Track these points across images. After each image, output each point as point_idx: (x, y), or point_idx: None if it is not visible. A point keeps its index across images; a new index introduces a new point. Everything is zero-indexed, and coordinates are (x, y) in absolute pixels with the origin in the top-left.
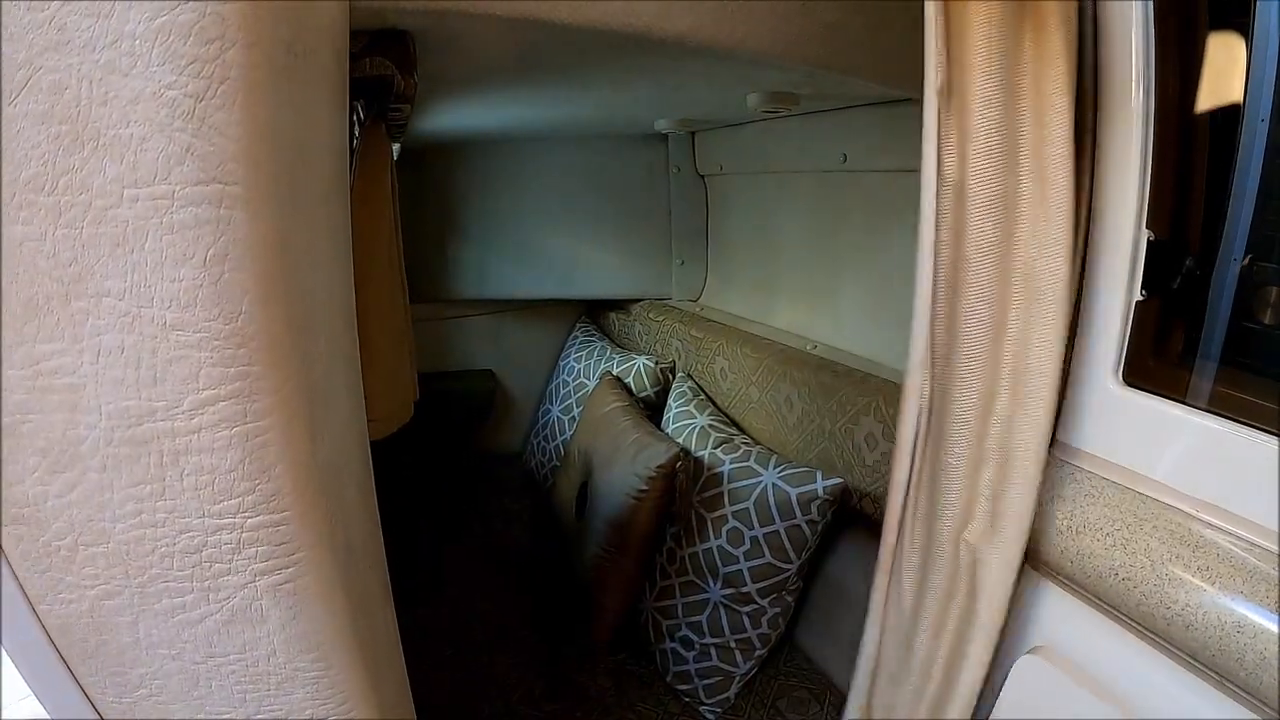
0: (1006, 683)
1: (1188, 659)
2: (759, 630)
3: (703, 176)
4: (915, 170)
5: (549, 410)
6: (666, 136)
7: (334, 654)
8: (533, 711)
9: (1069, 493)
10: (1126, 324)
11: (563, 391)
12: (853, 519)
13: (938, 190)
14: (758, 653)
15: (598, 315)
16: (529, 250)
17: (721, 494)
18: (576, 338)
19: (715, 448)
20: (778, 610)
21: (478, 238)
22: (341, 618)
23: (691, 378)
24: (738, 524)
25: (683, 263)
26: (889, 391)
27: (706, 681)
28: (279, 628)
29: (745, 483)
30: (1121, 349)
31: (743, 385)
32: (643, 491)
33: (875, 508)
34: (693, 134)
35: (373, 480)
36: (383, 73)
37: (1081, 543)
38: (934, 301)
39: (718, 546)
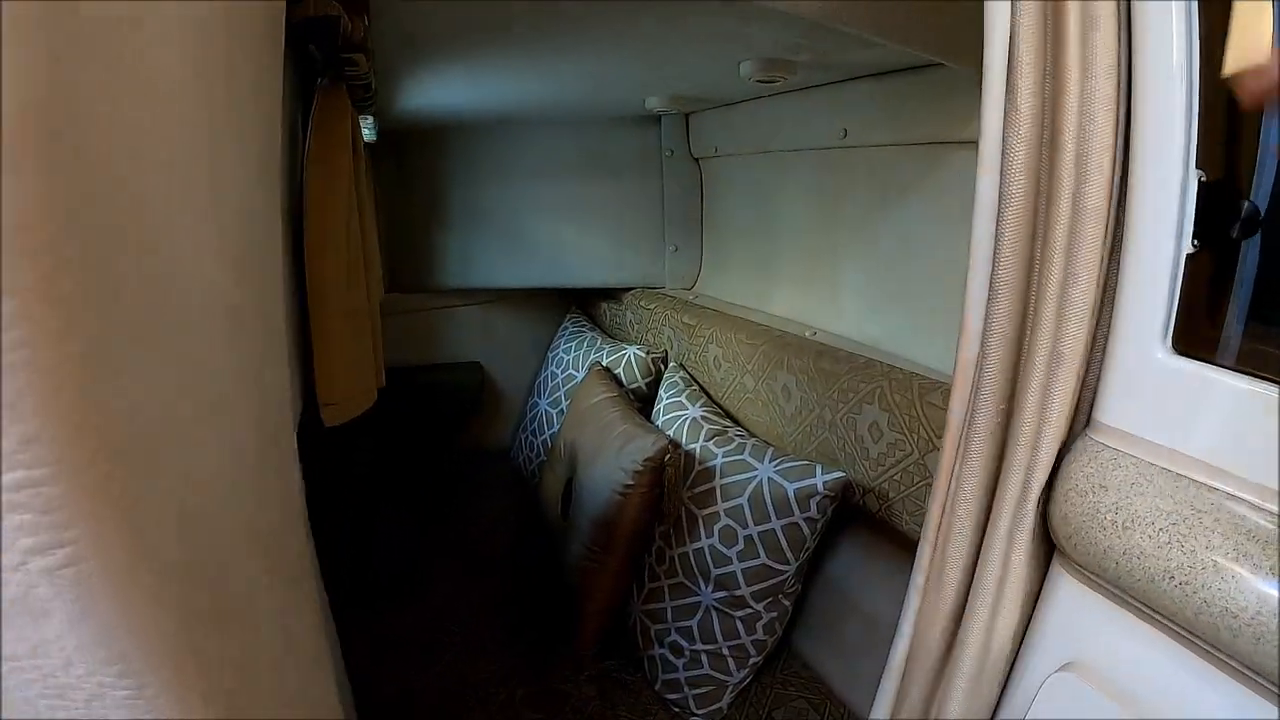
0: (1036, 701)
1: (1256, 679)
2: (754, 636)
3: (697, 160)
4: (917, 143)
5: (537, 404)
6: (659, 119)
7: (146, 670)
8: None
9: (1113, 481)
10: (1176, 281)
11: (551, 384)
12: (854, 516)
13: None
14: (752, 660)
15: (589, 306)
16: (515, 238)
17: (714, 490)
18: (566, 328)
19: (708, 440)
20: (774, 615)
21: (463, 226)
22: (156, 622)
23: (684, 368)
24: (731, 522)
25: (676, 249)
26: (895, 378)
27: (697, 690)
28: (68, 628)
29: (739, 477)
30: (1170, 311)
31: (737, 374)
32: (629, 486)
33: (880, 504)
34: (687, 115)
35: (294, 466)
36: (328, 12)
37: (1129, 540)
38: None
39: (709, 546)
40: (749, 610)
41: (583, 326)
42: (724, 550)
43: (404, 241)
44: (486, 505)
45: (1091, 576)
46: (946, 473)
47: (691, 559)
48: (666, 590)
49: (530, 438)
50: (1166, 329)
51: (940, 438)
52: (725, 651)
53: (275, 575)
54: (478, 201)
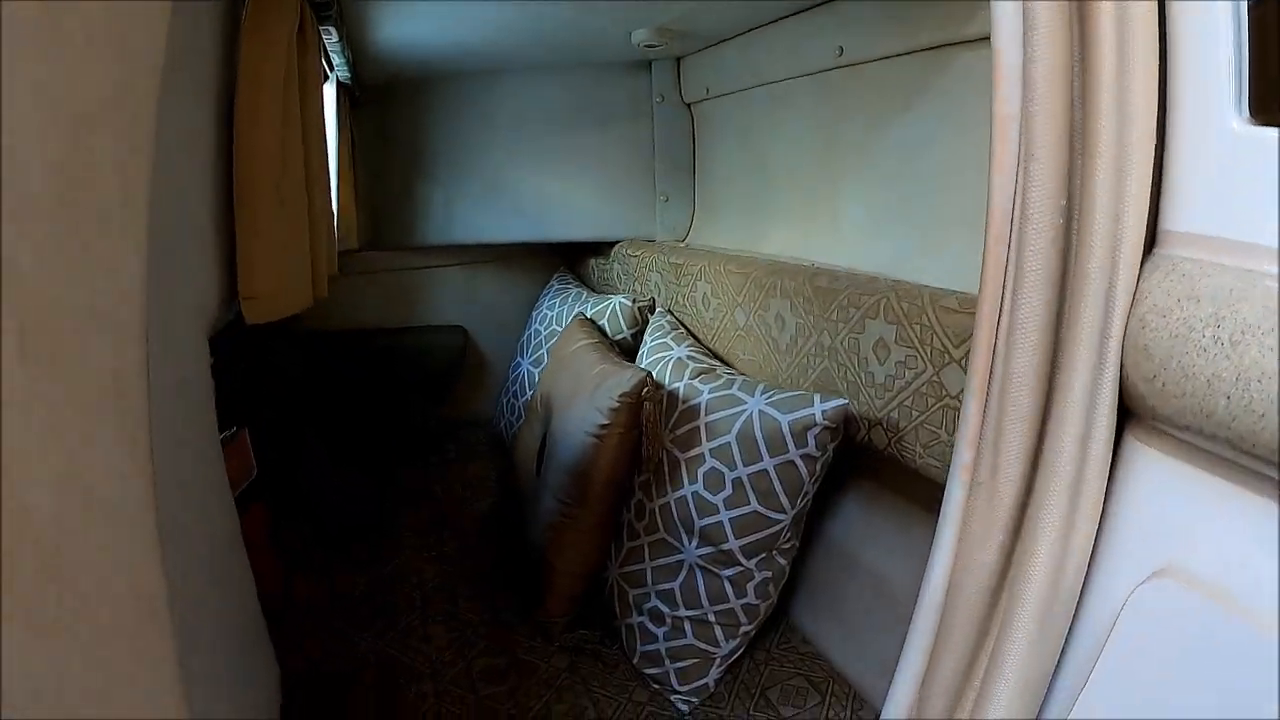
0: (1121, 621)
1: None
2: (744, 600)
3: (689, 105)
4: (919, 50)
5: (519, 364)
6: (650, 65)
7: None
8: (466, 694)
9: (1206, 291)
10: (1241, 28)
11: (534, 342)
12: (859, 466)
13: None
14: (743, 629)
15: (578, 265)
16: (500, 192)
17: (697, 429)
18: (552, 286)
19: (693, 379)
20: (767, 575)
21: (445, 180)
22: None
23: (671, 313)
24: (717, 464)
25: (667, 199)
26: (902, 289)
27: (680, 664)
28: None
29: (726, 413)
30: (1240, 69)
31: (727, 310)
32: (604, 427)
33: (888, 438)
34: (678, 60)
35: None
36: None
37: (1243, 359)
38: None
39: (693, 494)
40: (738, 568)
41: (569, 284)
42: (709, 498)
43: (385, 198)
44: (461, 471)
45: (1185, 437)
46: (989, 327)
47: (673, 510)
48: (646, 549)
49: (512, 400)
50: (1239, 92)
51: (959, 345)
52: (712, 618)
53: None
54: (461, 155)
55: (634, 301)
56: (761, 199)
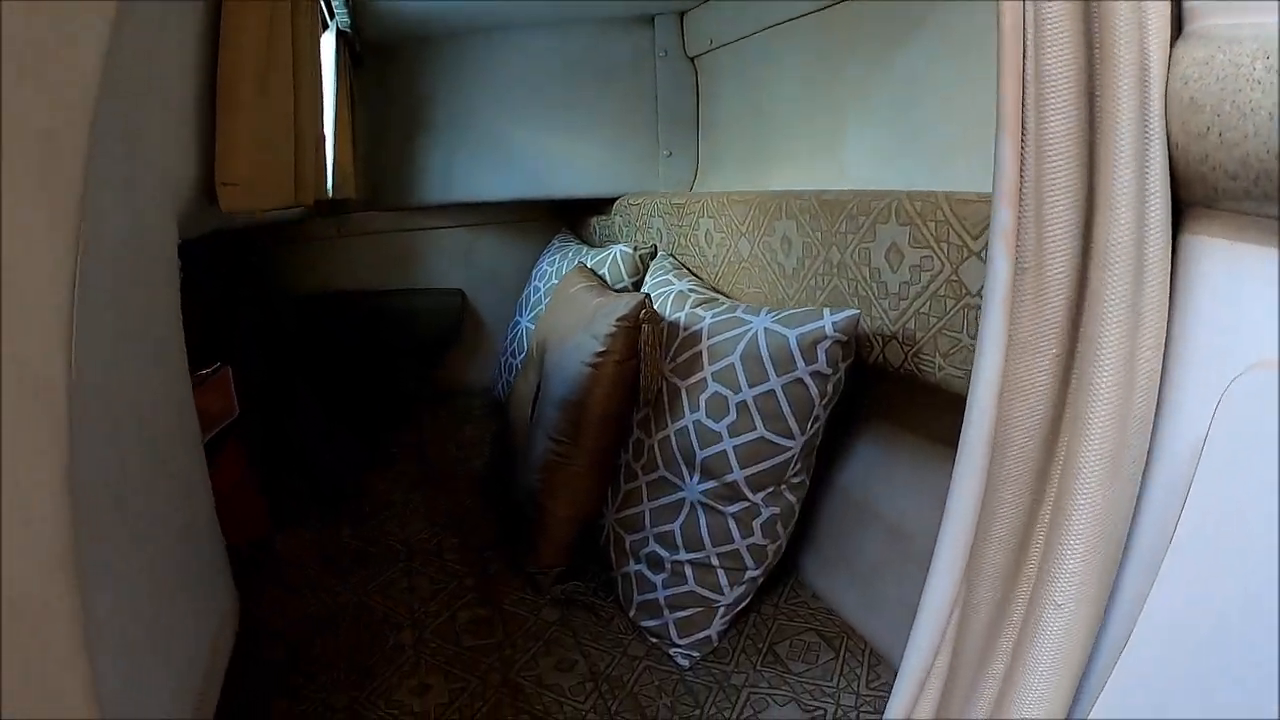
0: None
1: None
2: (750, 540)
3: (692, 59)
4: None
5: (518, 323)
6: (653, 19)
7: None
8: (448, 647)
9: (1248, 49)
10: None
11: (533, 299)
12: (871, 409)
13: None
14: (749, 573)
15: (580, 227)
16: (501, 149)
17: (699, 354)
18: (553, 245)
19: (694, 307)
20: (774, 512)
21: (446, 138)
22: None
23: (674, 256)
24: (720, 388)
25: (670, 154)
26: (914, 193)
27: (680, 614)
28: None
29: (729, 334)
30: None
31: (730, 242)
32: (600, 355)
33: (904, 353)
34: (681, 14)
35: None
36: None
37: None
38: None
39: (694, 423)
40: (744, 504)
41: (570, 242)
42: (712, 426)
43: (385, 158)
44: (455, 433)
45: (1250, 207)
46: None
47: (673, 443)
48: (645, 489)
49: (509, 360)
50: None
51: (978, 236)
52: (715, 561)
53: None
54: (461, 113)
55: (635, 249)
56: (766, 147)
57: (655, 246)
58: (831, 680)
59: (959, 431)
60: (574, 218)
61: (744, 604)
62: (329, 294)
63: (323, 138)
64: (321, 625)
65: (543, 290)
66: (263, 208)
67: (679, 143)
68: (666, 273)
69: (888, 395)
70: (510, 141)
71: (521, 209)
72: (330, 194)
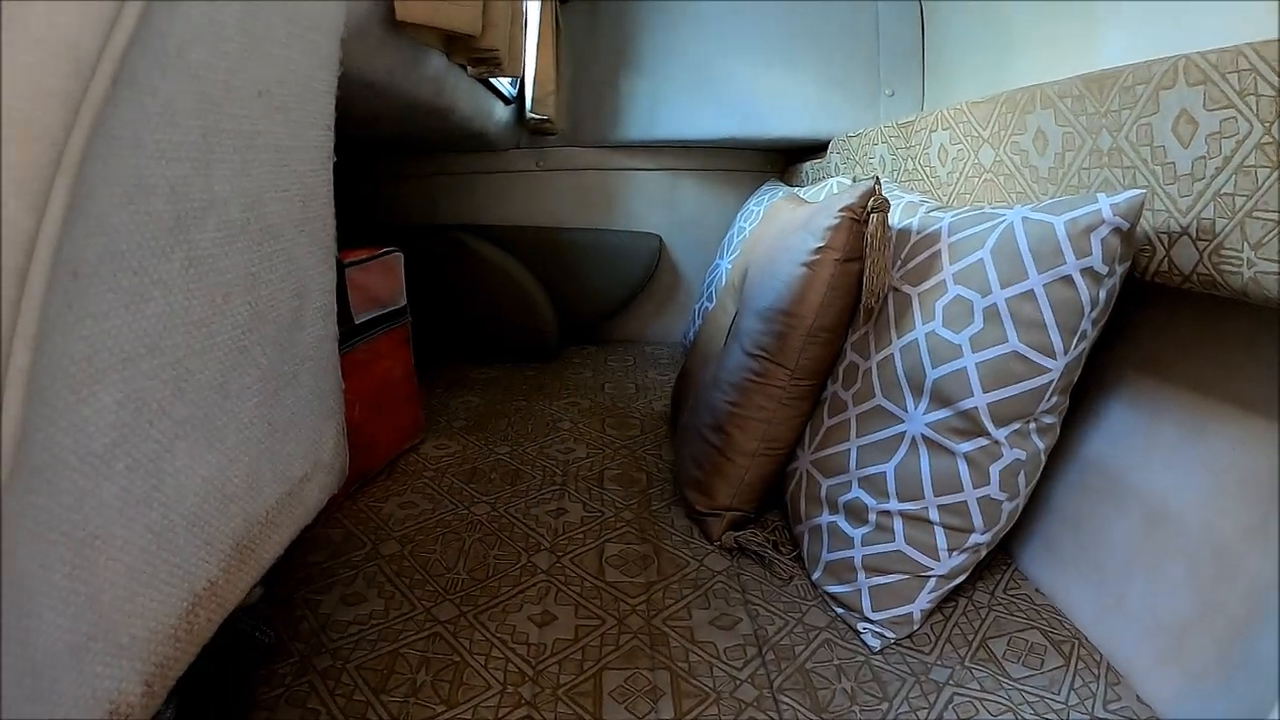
0: None
1: None
2: (983, 491)
3: None
4: None
5: (718, 266)
6: None
7: None
8: (588, 578)
9: None
10: None
11: (736, 241)
12: (1130, 345)
13: None
14: (974, 538)
15: (790, 176)
16: (708, 86)
17: (938, 254)
18: (762, 189)
19: (929, 213)
20: (1019, 457)
21: (652, 73)
22: None
23: (898, 183)
24: (963, 291)
25: (892, 94)
26: (1206, 50)
27: (879, 580)
28: None
29: (977, 229)
30: None
31: (970, 153)
32: (818, 251)
33: (1198, 251)
34: None
35: None
36: None
37: None
38: None
39: (926, 335)
40: (981, 441)
41: (779, 187)
42: (950, 337)
43: (588, 94)
44: (637, 375)
45: None
46: None
47: (897, 363)
48: (853, 424)
49: (705, 305)
50: None
51: None
52: (934, 515)
53: None
54: (670, 47)
55: (854, 180)
56: (1004, 79)
57: (877, 177)
58: (1059, 693)
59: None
60: (783, 166)
61: (958, 581)
62: (525, 227)
63: (521, 10)
64: (448, 533)
65: (748, 231)
66: (440, 24)
67: (903, 81)
68: (891, 190)
69: (1154, 333)
70: (720, 78)
71: (728, 155)
72: (530, 107)
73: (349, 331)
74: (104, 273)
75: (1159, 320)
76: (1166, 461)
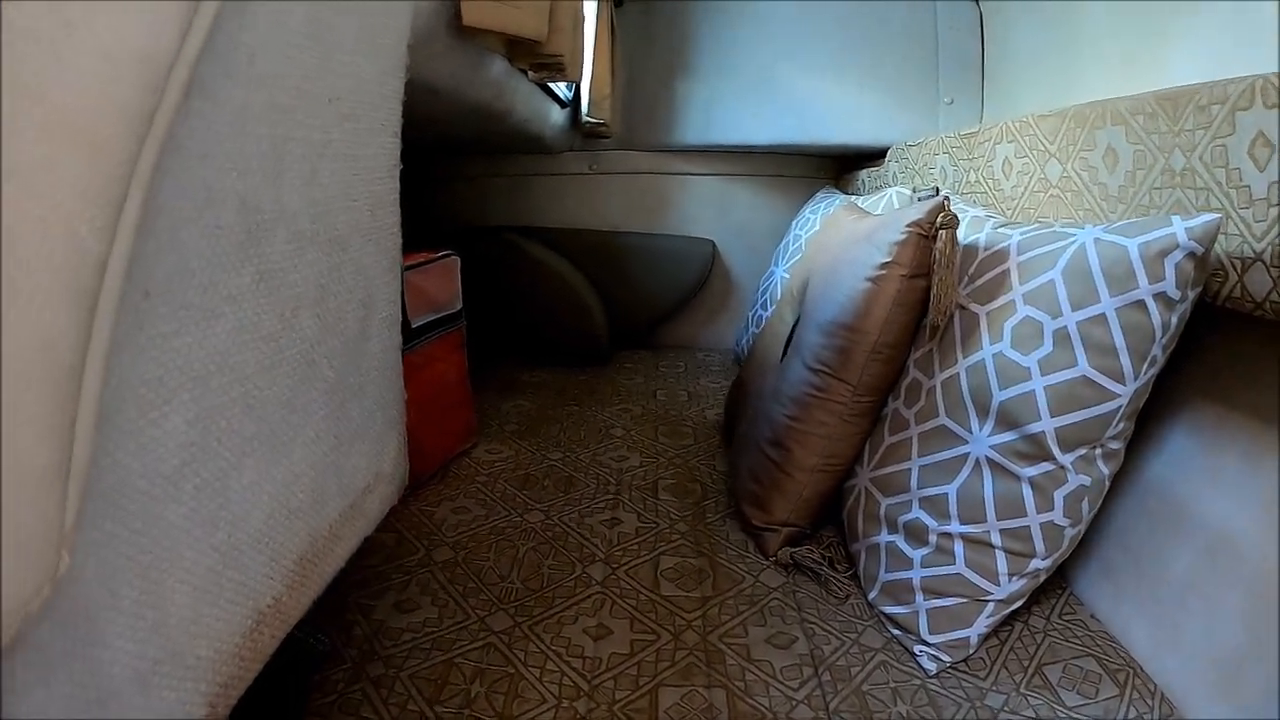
0: None
1: None
2: (1047, 516)
3: None
4: None
5: (772, 274)
6: None
7: None
8: (643, 591)
9: None
10: None
11: (791, 249)
12: (1196, 370)
13: None
14: (1034, 563)
15: (846, 184)
16: (764, 90)
17: (1006, 273)
18: (817, 196)
19: (996, 229)
20: (1083, 483)
21: (709, 74)
22: None
23: (959, 195)
24: (1032, 312)
25: (951, 102)
26: None
27: (937, 602)
28: None
29: (1047, 248)
30: None
31: (1036, 167)
32: (884, 266)
33: (1273, 279)
34: None
35: None
36: None
37: None
38: None
39: (994, 356)
40: (1047, 466)
41: (835, 194)
42: (1018, 359)
43: (643, 97)
44: (690, 381)
45: None
46: None
47: (962, 383)
48: (915, 442)
49: (759, 313)
50: None
51: None
52: (996, 539)
53: None
54: (726, 51)
55: (914, 191)
56: (1068, 90)
57: (937, 188)
58: None
59: None
60: (837, 173)
61: (1016, 606)
62: (580, 230)
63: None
64: (502, 540)
65: (804, 239)
66: (505, 28)
67: (962, 89)
68: (956, 203)
69: (1218, 359)
70: (777, 83)
71: (781, 160)
72: (586, 110)
73: (405, 336)
74: (175, 290)
75: (1224, 346)
76: (1227, 490)
